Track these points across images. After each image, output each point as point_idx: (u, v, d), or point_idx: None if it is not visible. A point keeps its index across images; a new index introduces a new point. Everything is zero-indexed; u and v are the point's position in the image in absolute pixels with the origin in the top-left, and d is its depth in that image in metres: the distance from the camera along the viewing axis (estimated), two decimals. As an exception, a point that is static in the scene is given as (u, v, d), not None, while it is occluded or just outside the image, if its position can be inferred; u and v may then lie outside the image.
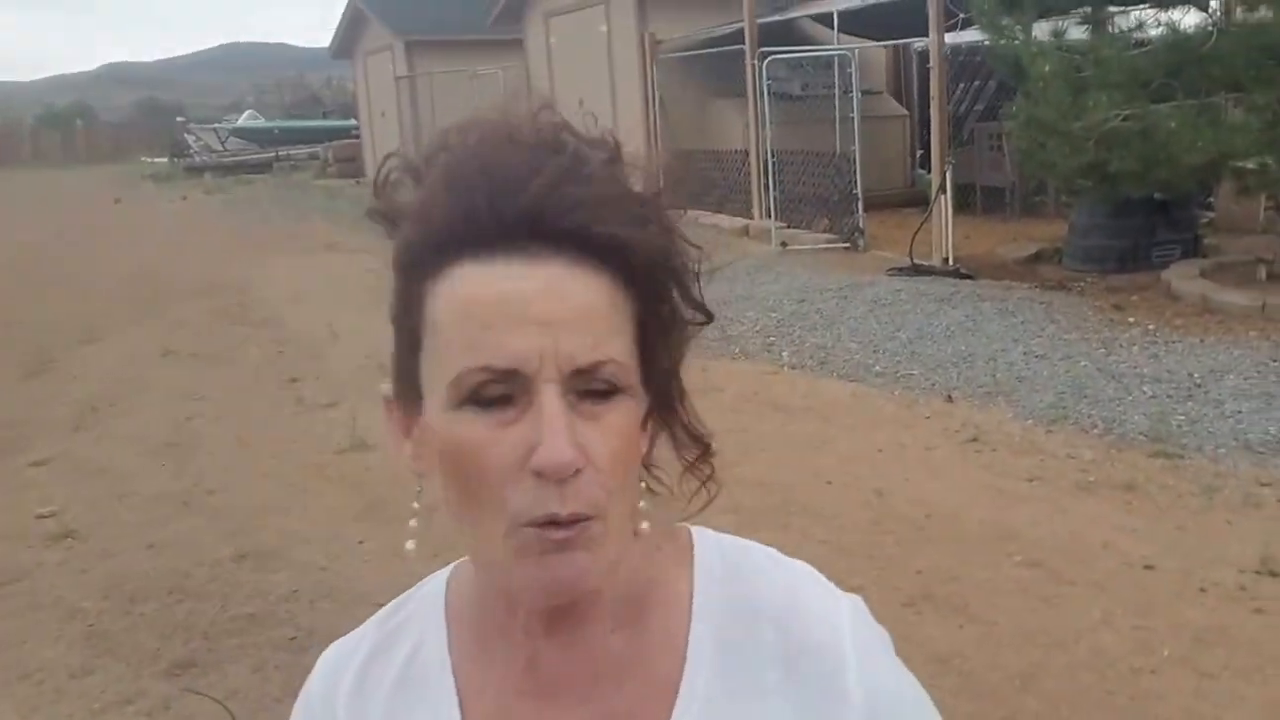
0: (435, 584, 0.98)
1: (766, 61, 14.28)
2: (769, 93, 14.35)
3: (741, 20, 15.10)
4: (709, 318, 0.85)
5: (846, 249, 13.09)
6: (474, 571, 0.91)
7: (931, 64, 12.40)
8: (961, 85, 17.02)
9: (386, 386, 0.85)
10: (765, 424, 7.12)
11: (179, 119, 42.45)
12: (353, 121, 35.23)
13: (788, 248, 13.31)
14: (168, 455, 7.07)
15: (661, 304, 0.81)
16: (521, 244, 0.75)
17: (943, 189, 11.91)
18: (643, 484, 0.85)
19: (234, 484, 6.49)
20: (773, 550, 0.94)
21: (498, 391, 0.75)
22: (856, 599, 0.92)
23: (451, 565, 0.97)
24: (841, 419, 7.13)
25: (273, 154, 34.56)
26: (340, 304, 11.62)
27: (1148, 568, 4.83)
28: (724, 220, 15.10)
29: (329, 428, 7.41)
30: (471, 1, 23.96)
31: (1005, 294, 10.11)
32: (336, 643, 0.98)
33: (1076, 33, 10.55)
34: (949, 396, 7.41)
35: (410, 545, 0.87)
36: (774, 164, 14.24)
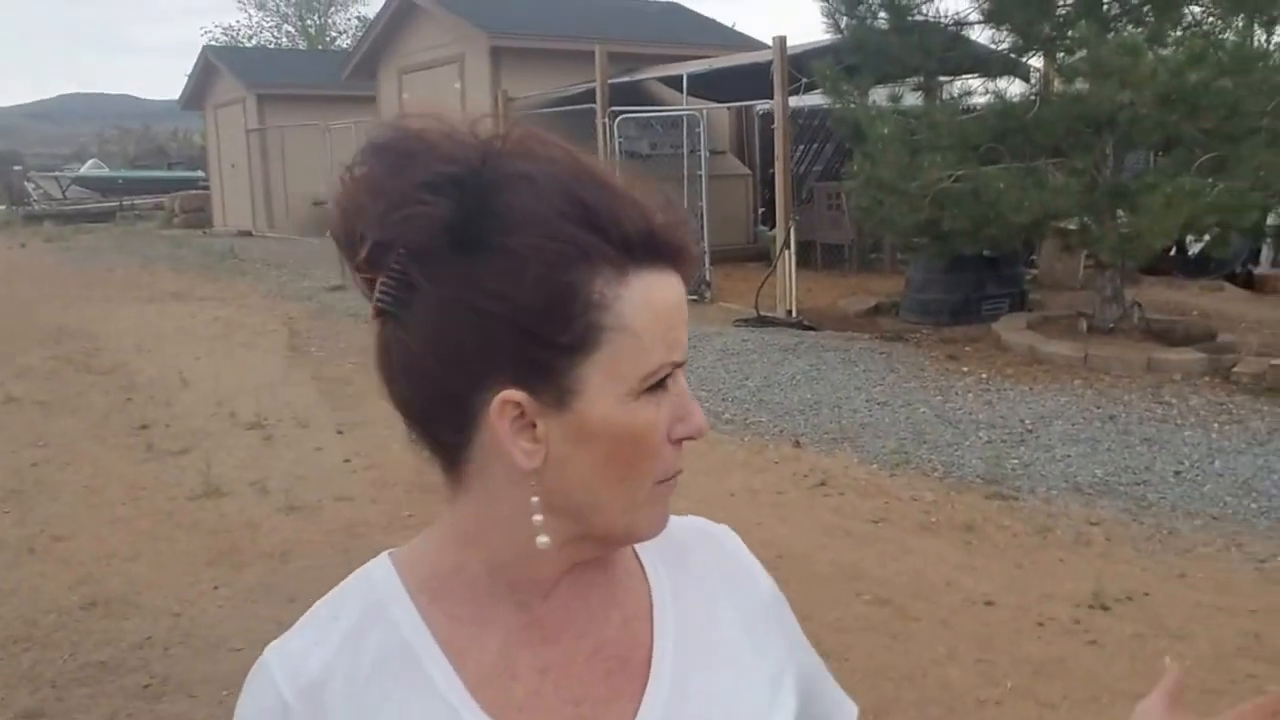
0: (377, 572, 0.99)
1: (617, 120, 14.42)
2: (619, 150, 14.47)
3: (593, 80, 15.23)
4: None
5: (694, 300, 13.20)
6: (451, 546, 0.97)
7: (776, 125, 12.66)
8: (802, 146, 17.45)
9: (517, 391, 0.86)
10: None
11: (16, 167, 40.80)
12: (200, 173, 34.42)
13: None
14: (11, 502, 6.70)
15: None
16: (667, 258, 0.88)
17: (787, 244, 12.13)
18: None
19: (81, 531, 6.18)
20: None
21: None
22: (727, 525, 1.13)
23: (384, 553, 1.01)
24: (694, 464, 7.11)
25: (116, 203, 33.44)
26: (189, 351, 11.27)
27: (989, 604, 4.93)
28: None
29: (181, 474, 7.13)
30: (325, 56, 23.69)
31: (847, 344, 10.32)
32: (277, 646, 0.95)
33: (912, 98, 10.92)
34: (797, 442, 7.50)
35: (543, 540, 0.91)
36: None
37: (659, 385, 0.87)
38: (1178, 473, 6.63)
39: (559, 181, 0.86)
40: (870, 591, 5.10)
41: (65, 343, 12.06)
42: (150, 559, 5.76)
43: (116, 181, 36.85)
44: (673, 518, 1.00)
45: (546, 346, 0.84)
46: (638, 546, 1.02)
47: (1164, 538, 5.68)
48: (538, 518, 0.89)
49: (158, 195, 33.20)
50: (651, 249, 0.86)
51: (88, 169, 41.21)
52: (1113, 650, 4.46)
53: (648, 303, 0.85)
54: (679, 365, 0.88)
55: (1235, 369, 8.61)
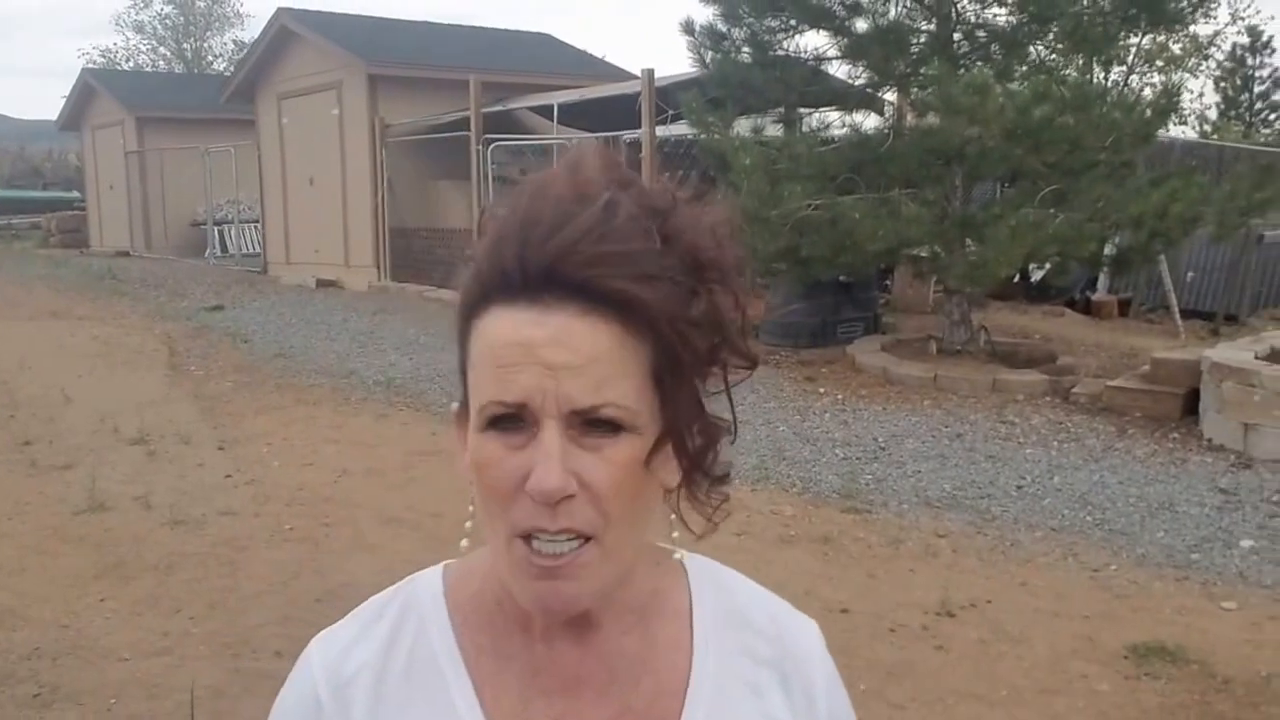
0: (428, 580, 0.97)
1: (490, 148, 14.41)
2: (491, 176, 14.46)
3: (468, 109, 15.20)
4: (752, 364, 0.88)
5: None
6: (489, 572, 0.92)
7: (644, 154, 12.77)
8: (668, 174, 17.56)
9: (456, 404, 0.89)
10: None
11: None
12: (76, 193, 33.35)
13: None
14: (-120, 520, 6.40)
15: (679, 351, 0.82)
16: (540, 293, 0.79)
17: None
18: (671, 515, 0.91)
19: (-42, 547, 5.95)
20: (732, 569, 1.02)
21: (512, 420, 0.80)
22: (814, 622, 1.03)
23: (441, 564, 0.98)
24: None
25: (-6, 222, 32.29)
26: (70, 369, 10.91)
27: (844, 611, 5.02)
28: (446, 294, 14.98)
29: (65, 489, 6.91)
30: (203, 80, 23.19)
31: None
32: (324, 638, 0.96)
33: (774, 130, 11.11)
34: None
35: (464, 544, 0.93)
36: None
37: (512, 425, 0.80)
38: (1020, 487, 6.84)
39: (518, 205, 0.83)
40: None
41: (-68, 362, 11.56)
42: (37, 572, 5.59)
43: (-10, 200, 35.54)
44: (755, 590, 1.00)
45: (461, 369, 0.87)
46: (696, 618, 0.94)
47: (1006, 549, 5.85)
48: (468, 524, 0.91)
49: (33, 215, 32.13)
50: (514, 283, 0.80)
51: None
52: (958, 654, 4.57)
53: (487, 338, 0.81)
54: (514, 407, 0.80)
55: (1074, 390, 8.92)
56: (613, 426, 0.79)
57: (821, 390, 9.46)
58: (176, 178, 23.98)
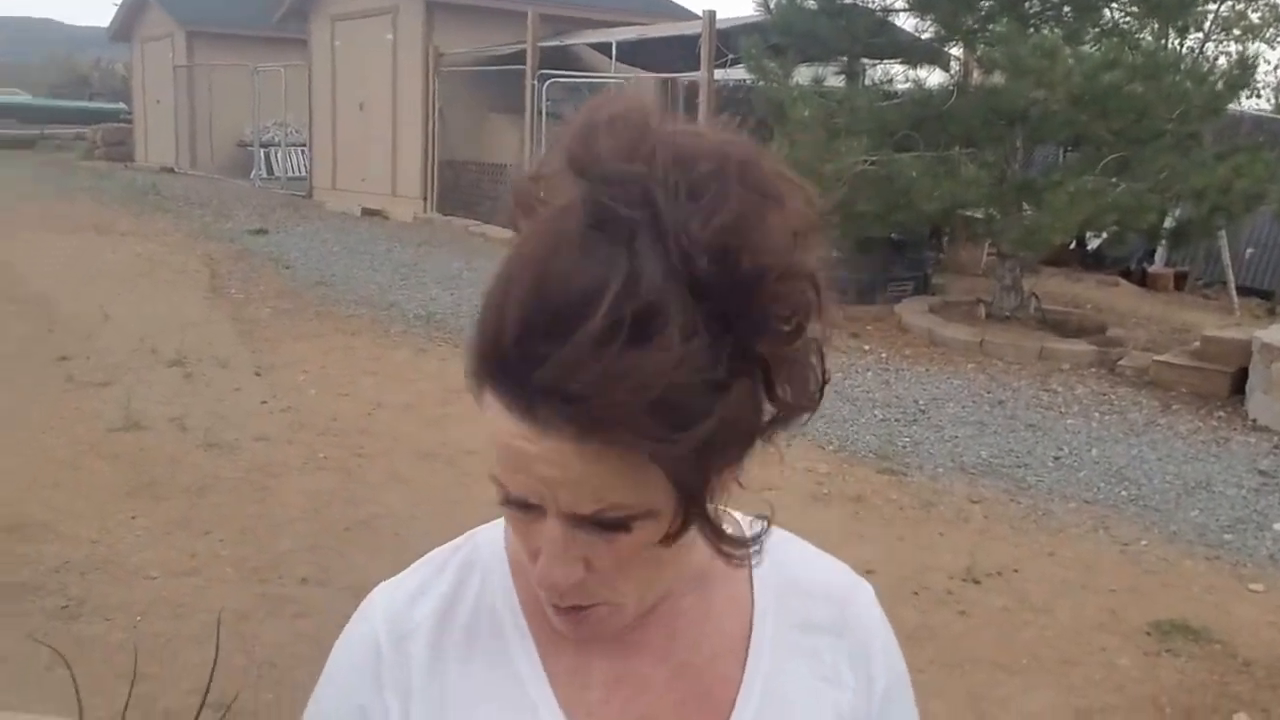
0: (490, 535, 0.95)
1: (546, 84, 14.41)
2: (545, 112, 14.47)
3: (524, 42, 15.18)
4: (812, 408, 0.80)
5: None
6: None
7: (700, 98, 12.73)
8: (724, 118, 17.48)
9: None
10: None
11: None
12: (122, 106, 33.60)
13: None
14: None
15: (698, 461, 0.71)
16: (534, 408, 0.69)
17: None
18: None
19: (1, 455, 6.13)
20: (788, 532, 1.00)
21: (520, 503, 0.76)
22: (870, 586, 1.02)
23: (502, 519, 0.90)
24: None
25: (37, 131, 32.57)
26: (111, 286, 11.10)
27: (869, 571, 5.05)
28: (491, 230, 15.13)
29: (102, 406, 7.08)
30: (257, -3, 23.23)
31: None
32: (388, 587, 0.94)
33: (834, 81, 11.04)
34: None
35: None
36: (547, 180, 14.34)
37: (520, 505, 0.76)
38: (1057, 458, 6.87)
39: (518, 278, 0.71)
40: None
41: (-21, 270, 11.81)
42: (70, 487, 5.75)
43: (36, 109, 35.89)
44: (812, 556, 1.00)
45: None
46: (755, 580, 0.94)
47: (1038, 518, 5.89)
48: None
49: (79, 126, 32.39)
50: (506, 391, 0.71)
51: (6, 95, 40.04)
52: (980, 621, 4.64)
53: (495, 425, 0.73)
54: (518, 499, 0.75)
55: (1121, 362, 8.90)
56: (620, 523, 0.74)
57: (866, 348, 9.48)
58: (225, 96, 24.09)
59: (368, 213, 17.81)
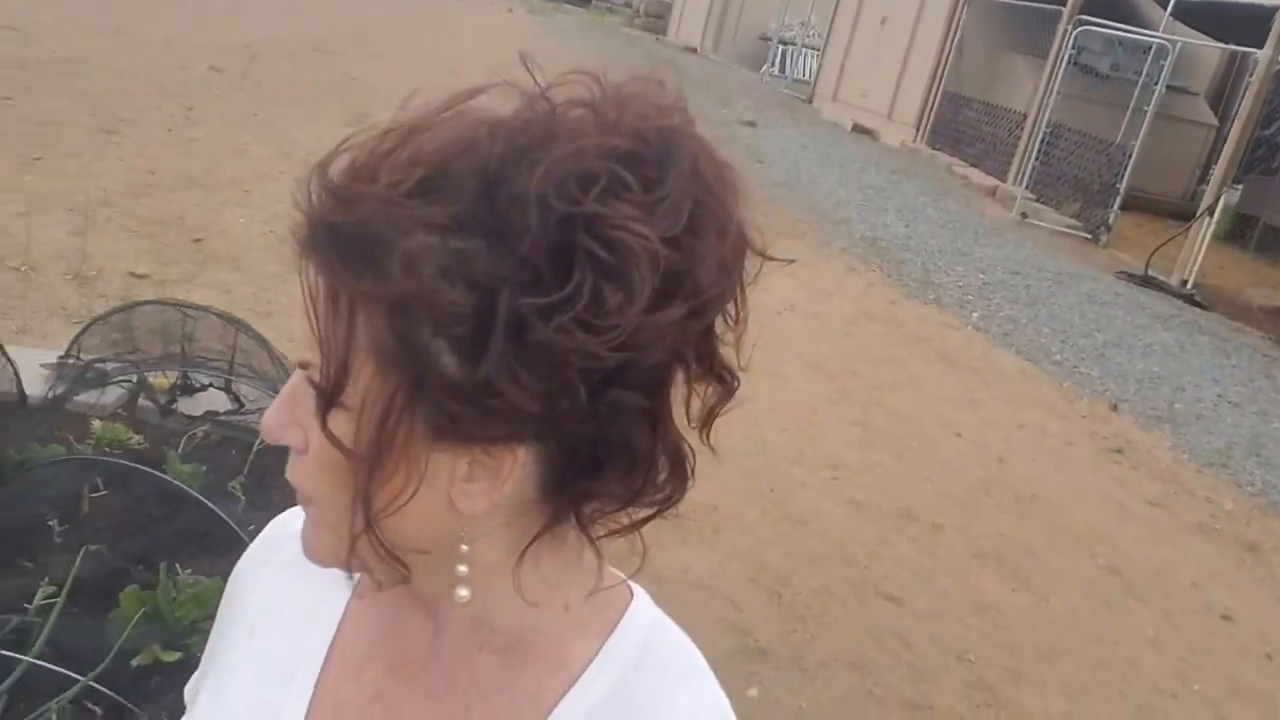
0: None
1: (1080, 30, 13.87)
2: (1070, 62, 13.96)
3: (1071, -18, 14.64)
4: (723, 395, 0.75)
5: (1086, 239, 12.81)
6: None
7: (1254, 77, 11.86)
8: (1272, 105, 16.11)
9: None
10: (927, 368, 7.22)
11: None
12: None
13: (1026, 219, 13.09)
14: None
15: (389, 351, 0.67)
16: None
17: (1210, 210, 11.50)
18: (462, 545, 0.75)
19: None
20: (701, 666, 0.86)
21: None
22: None
23: None
24: (999, 388, 7.17)
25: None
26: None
27: (1224, 617, 4.84)
28: (975, 175, 14.93)
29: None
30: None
31: (1231, 335, 9.82)
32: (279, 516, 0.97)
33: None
34: (1114, 406, 7.34)
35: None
36: (1047, 134, 13.94)
37: None
38: None
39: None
40: (1106, 558, 5.11)
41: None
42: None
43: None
44: (681, 703, 0.83)
45: None
46: (577, 685, 0.81)
47: None
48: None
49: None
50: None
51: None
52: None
53: None
54: (299, 364, 0.73)
55: None
56: (319, 390, 0.70)
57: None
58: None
59: (858, 129, 18.01)
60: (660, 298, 0.64)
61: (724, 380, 0.73)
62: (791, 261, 0.78)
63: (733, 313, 0.71)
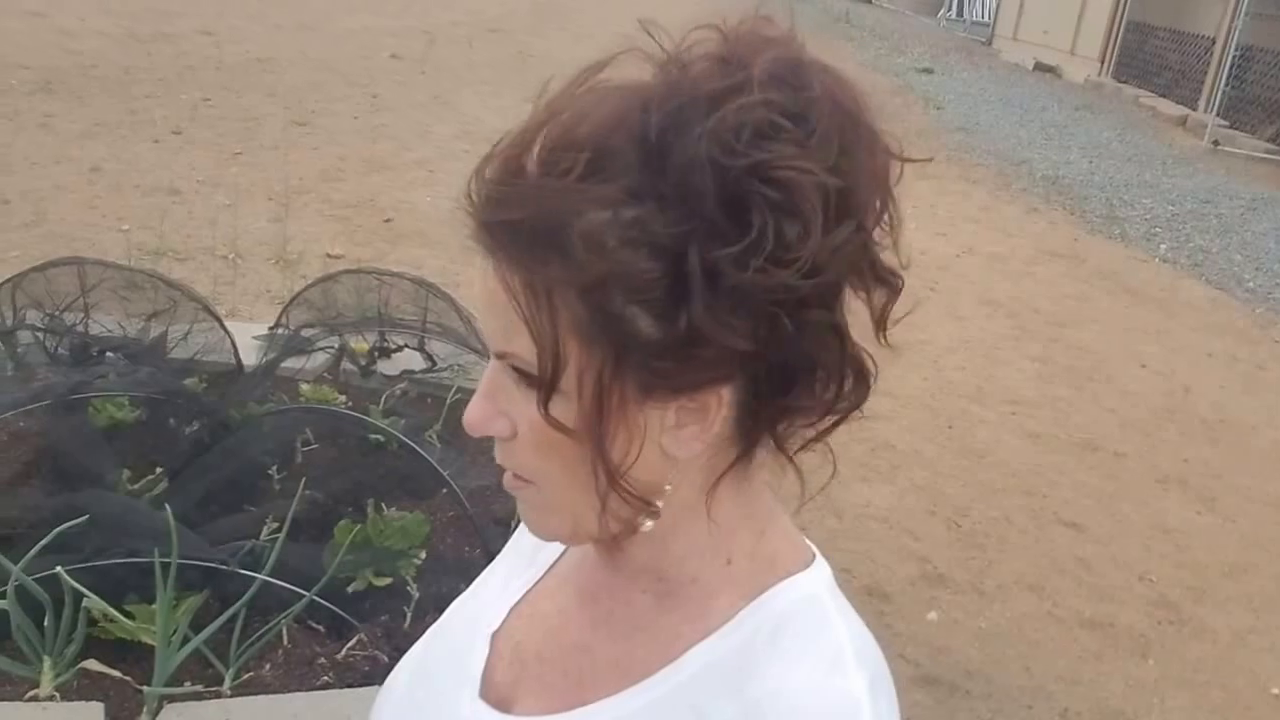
0: None
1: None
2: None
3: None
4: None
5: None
6: None
7: None
8: None
9: None
10: (1111, 302, 7.17)
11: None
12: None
13: (1219, 147, 12.65)
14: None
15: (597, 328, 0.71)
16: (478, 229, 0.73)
17: None
18: (666, 486, 0.79)
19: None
20: (840, 655, 0.80)
21: None
22: None
23: None
24: (1186, 318, 7.07)
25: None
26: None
27: None
28: (1163, 105, 14.48)
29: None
30: None
31: None
32: None
33: None
34: (1312, 329, 7.17)
35: None
36: (1237, 58, 13.42)
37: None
38: None
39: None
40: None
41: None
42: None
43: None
44: (812, 677, 0.78)
45: None
46: (710, 638, 0.82)
47: None
48: None
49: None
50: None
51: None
52: None
53: None
54: (497, 356, 0.77)
55: None
56: (528, 378, 0.74)
57: None
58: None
59: (1040, 68, 17.62)
60: (831, 221, 0.69)
61: (888, 283, 0.76)
62: (929, 160, 0.83)
63: (887, 218, 0.74)
